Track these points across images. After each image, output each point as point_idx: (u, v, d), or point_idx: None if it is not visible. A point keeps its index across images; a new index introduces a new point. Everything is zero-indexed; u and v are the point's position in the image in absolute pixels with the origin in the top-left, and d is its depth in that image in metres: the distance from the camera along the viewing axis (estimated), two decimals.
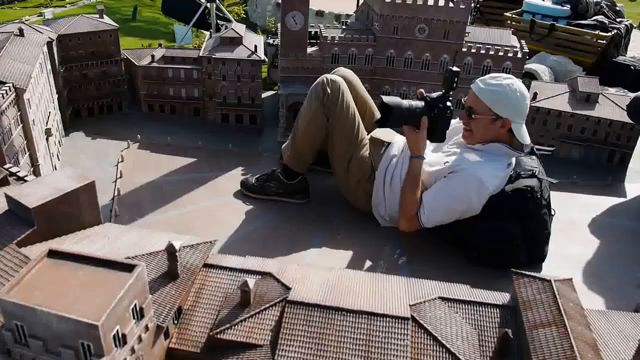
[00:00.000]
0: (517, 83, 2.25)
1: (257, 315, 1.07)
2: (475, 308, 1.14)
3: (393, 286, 1.18)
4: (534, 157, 2.46)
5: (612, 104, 3.33)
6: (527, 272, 1.16)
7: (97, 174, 2.46)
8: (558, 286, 1.09)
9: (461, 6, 3.20)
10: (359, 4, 3.95)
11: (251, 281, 1.11)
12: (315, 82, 2.60)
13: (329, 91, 2.52)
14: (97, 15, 3.52)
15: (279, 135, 3.46)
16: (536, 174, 2.33)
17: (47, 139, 2.72)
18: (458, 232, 2.34)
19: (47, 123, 2.78)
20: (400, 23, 3.28)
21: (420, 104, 2.24)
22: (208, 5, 5.25)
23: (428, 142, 2.49)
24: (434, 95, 2.25)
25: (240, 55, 3.39)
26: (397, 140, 2.63)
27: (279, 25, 3.87)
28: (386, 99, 2.20)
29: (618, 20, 5.62)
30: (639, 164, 3.33)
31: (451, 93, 2.25)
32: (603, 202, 2.94)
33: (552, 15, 5.58)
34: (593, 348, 0.96)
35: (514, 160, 2.34)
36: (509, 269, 1.26)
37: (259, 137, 3.55)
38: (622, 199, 3.01)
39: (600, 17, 5.48)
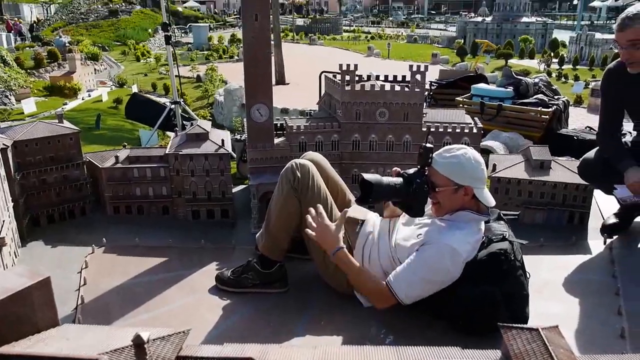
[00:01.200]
0: (470, 151, 2.37)
1: None
2: None
3: (382, 357, 1.16)
4: (502, 222, 2.54)
5: (564, 169, 3.53)
6: (514, 325, 1.18)
7: (57, 283, 2.37)
8: (546, 334, 1.11)
9: (416, 89, 3.43)
10: (321, 96, 4.17)
11: None
12: (285, 167, 2.67)
13: (299, 175, 2.60)
14: (57, 121, 3.56)
15: (252, 227, 3.47)
16: (507, 237, 2.40)
17: (0, 250, 2.60)
18: (439, 303, 2.34)
19: None
20: (362, 109, 3.47)
21: (399, 180, 2.33)
22: (173, 107, 5.43)
23: (400, 217, 2.58)
24: (410, 171, 2.35)
25: (208, 150, 3.48)
26: (370, 217, 2.69)
27: (244, 120, 4.01)
28: (366, 176, 2.29)
29: (556, 97, 6.11)
30: (597, 222, 3.46)
31: (426, 169, 2.35)
32: (572, 261, 3.03)
33: (498, 97, 6.03)
34: None
35: (483, 225, 2.42)
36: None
37: (232, 230, 3.55)
38: (588, 256, 3.11)
39: (540, 96, 5.95)
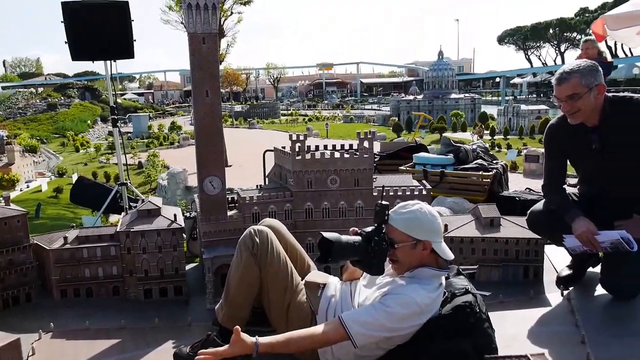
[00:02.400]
0: (425, 206, 2.41)
1: None
2: None
3: None
4: (461, 276, 2.56)
5: (514, 225, 3.64)
6: (500, 355, 1.15)
7: None
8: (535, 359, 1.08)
9: (365, 155, 3.52)
10: (270, 170, 4.19)
11: None
12: (243, 234, 2.62)
13: (257, 241, 2.55)
14: (3, 203, 3.39)
15: (207, 303, 3.32)
16: (469, 290, 2.40)
17: None
18: None
19: None
20: (313, 177, 3.51)
21: (358, 238, 2.31)
22: (119, 188, 5.30)
23: (360, 280, 2.55)
24: (368, 229, 2.34)
25: (160, 226, 3.37)
26: (331, 281, 2.64)
27: (194, 197, 3.95)
28: (326, 234, 2.26)
29: (494, 162, 6.44)
30: (552, 275, 3.54)
31: (383, 226, 2.35)
32: (534, 314, 3.05)
33: (439, 164, 6.28)
34: None
35: (443, 280, 2.41)
36: None
37: (187, 307, 3.38)
38: (548, 308, 3.15)
39: (480, 161, 6.25)
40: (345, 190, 3.56)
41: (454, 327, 2.25)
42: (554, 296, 3.29)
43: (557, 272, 3.56)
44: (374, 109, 43.03)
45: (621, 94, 3.17)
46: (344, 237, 2.31)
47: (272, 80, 71.64)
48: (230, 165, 13.60)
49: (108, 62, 5.06)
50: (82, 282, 3.39)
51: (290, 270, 2.60)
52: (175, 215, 3.46)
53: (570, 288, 3.35)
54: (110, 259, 3.39)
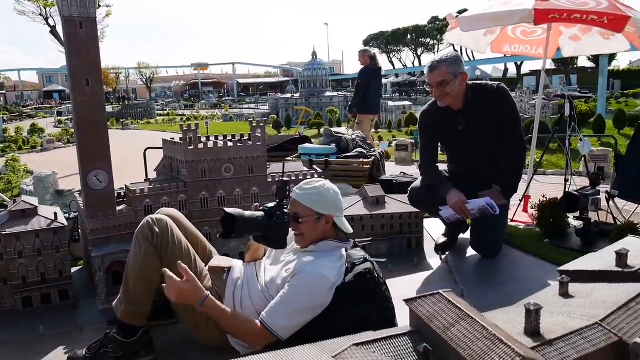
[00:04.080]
0: (328, 183, 2.55)
1: None
2: (388, 342, 1.19)
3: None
4: (358, 248, 2.73)
5: (396, 202, 3.95)
6: (416, 296, 1.29)
7: None
8: (448, 295, 1.23)
9: (258, 143, 3.58)
10: (159, 165, 4.05)
11: None
12: (140, 225, 2.54)
13: (157, 230, 2.48)
14: None
15: (100, 304, 3.14)
16: (368, 258, 2.58)
17: None
18: (318, 331, 2.37)
19: None
20: (207, 166, 3.48)
21: (260, 213, 2.36)
22: None
23: (264, 259, 2.61)
24: (271, 205, 2.40)
25: (39, 226, 3.12)
26: (236, 264, 2.67)
27: (77, 195, 3.70)
28: (229, 210, 2.27)
29: (372, 150, 6.85)
30: (430, 244, 3.91)
31: (285, 201, 2.43)
32: (419, 278, 3.40)
33: (323, 153, 6.53)
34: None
35: (344, 252, 2.57)
36: None
37: (76, 311, 3.16)
38: (430, 271, 3.53)
39: (359, 149, 6.61)
40: (240, 178, 3.58)
41: (358, 293, 2.41)
42: (434, 261, 3.66)
43: (434, 240, 3.94)
44: (252, 108, 42.93)
45: (479, 81, 3.61)
46: (247, 212, 2.35)
47: (145, 80, 68.16)
48: None
49: None
50: None
51: (194, 257, 2.57)
52: (55, 214, 3.22)
53: (447, 253, 3.76)
54: None
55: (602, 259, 1.54)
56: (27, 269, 3.08)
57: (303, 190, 2.48)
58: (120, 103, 44.31)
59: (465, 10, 4.58)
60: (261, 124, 3.63)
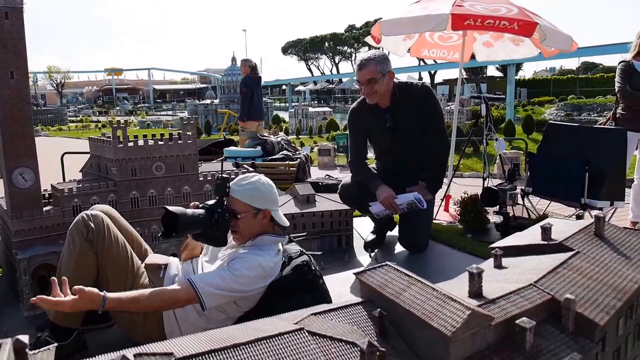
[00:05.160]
0: (263, 177, 2.59)
1: None
2: (343, 310, 1.27)
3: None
4: (293, 243, 2.80)
5: (326, 200, 4.06)
6: (363, 269, 1.38)
7: None
8: (394, 266, 1.33)
9: (188, 141, 3.54)
10: (85, 165, 3.89)
11: None
12: (74, 221, 2.45)
13: (92, 226, 2.41)
14: None
15: (25, 310, 2.97)
16: (304, 252, 2.65)
17: None
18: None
19: None
20: (137, 164, 3.39)
21: (201, 211, 2.35)
22: None
23: (201, 257, 2.61)
24: (210, 202, 2.39)
25: None
26: (172, 260, 2.64)
27: None
28: (171, 208, 2.24)
29: (297, 152, 6.95)
30: (359, 242, 4.05)
31: (224, 198, 2.43)
32: (350, 275, 3.44)
33: (249, 156, 6.53)
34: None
35: (281, 246, 2.62)
36: None
37: None
38: (361, 268, 3.59)
39: (285, 152, 6.69)
40: (172, 176, 3.52)
41: (296, 285, 2.47)
42: (364, 258, 3.80)
43: (363, 238, 4.09)
44: (170, 115, 41.69)
45: (406, 81, 3.81)
46: (189, 211, 2.34)
47: (55, 85, 63.92)
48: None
49: None
50: None
51: (130, 254, 2.52)
52: None
53: (376, 250, 3.89)
54: None
55: (527, 235, 1.71)
56: None
57: (240, 186, 2.50)
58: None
59: (381, 19, 4.79)
60: (192, 122, 3.60)
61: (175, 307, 2.31)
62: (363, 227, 4.30)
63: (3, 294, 3.27)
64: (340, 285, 3.25)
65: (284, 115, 27.73)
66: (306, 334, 1.03)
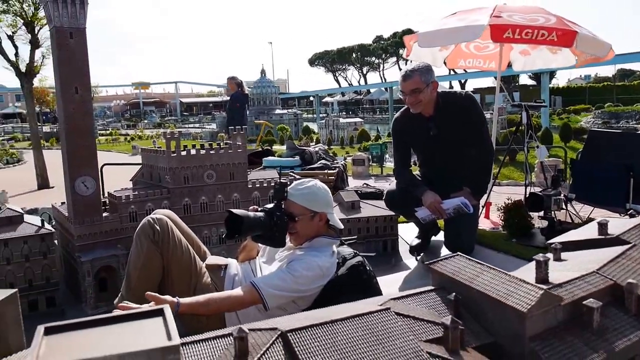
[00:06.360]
0: (319, 183, 2.71)
1: None
2: (419, 296, 1.37)
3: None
4: (345, 246, 2.91)
5: (371, 207, 4.16)
6: (434, 260, 1.48)
7: None
8: (464, 256, 1.43)
9: (238, 150, 3.71)
10: (136, 174, 4.09)
11: None
12: (140, 224, 2.61)
13: (158, 228, 2.57)
14: None
15: (88, 309, 3.16)
16: (358, 253, 2.75)
17: None
18: None
19: None
20: (190, 172, 3.58)
21: (261, 214, 2.49)
22: None
23: (258, 258, 2.74)
24: (269, 206, 2.53)
25: (26, 232, 3.11)
26: (231, 261, 2.77)
27: (55, 205, 3.69)
28: (235, 211, 2.38)
29: (335, 161, 7.07)
30: (404, 247, 4.13)
31: (282, 202, 2.56)
32: (399, 277, 3.57)
33: (288, 165, 6.68)
34: None
35: (335, 248, 2.73)
36: None
37: (64, 318, 3.14)
38: (408, 271, 3.73)
39: (323, 161, 6.81)
40: (222, 184, 3.69)
41: (351, 285, 2.57)
42: (410, 262, 3.87)
43: (408, 243, 4.16)
44: (198, 127, 42.47)
45: (449, 89, 3.90)
46: (251, 214, 2.48)
47: None
48: (53, 187, 12.32)
49: None
50: None
51: (193, 255, 2.67)
52: (42, 221, 3.22)
53: (422, 254, 3.97)
54: None
55: (583, 232, 1.79)
56: (15, 275, 3.07)
57: (297, 190, 2.63)
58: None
59: (410, 30, 4.89)
60: (242, 132, 3.76)
61: (240, 309, 2.44)
62: (407, 233, 4.37)
63: (64, 296, 3.45)
64: (388, 287, 3.33)
65: (314, 126, 27.99)
66: (393, 313, 1.13)
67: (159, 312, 0.92)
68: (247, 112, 9.73)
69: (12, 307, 1.09)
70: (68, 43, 3.07)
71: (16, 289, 1.11)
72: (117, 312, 1.24)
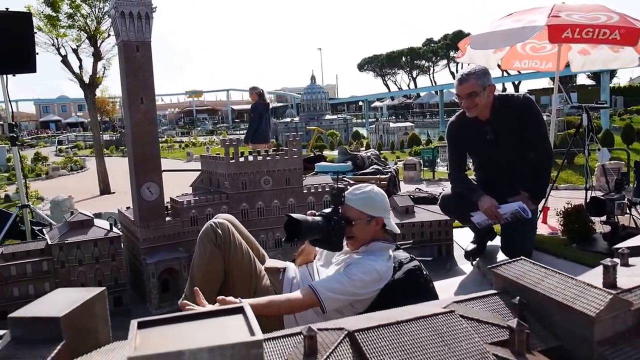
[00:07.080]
0: (376, 188, 2.75)
1: None
2: (482, 300, 1.38)
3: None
4: (400, 250, 2.92)
5: (425, 211, 4.15)
6: (495, 264, 1.48)
7: None
8: (528, 260, 1.43)
9: (294, 157, 3.79)
10: (196, 180, 4.26)
11: None
12: (203, 228, 2.72)
13: (220, 232, 2.67)
14: None
15: (152, 309, 3.32)
16: (414, 257, 2.76)
17: None
18: None
19: None
20: (247, 178, 3.69)
21: (319, 218, 2.55)
22: (19, 212, 4.90)
23: (315, 261, 2.80)
24: (327, 210, 2.59)
25: (97, 235, 3.30)
26: (289, 264, 2.85)
27: (121, 210, 3.89)
28: (294, 215, 2.45)
29: (387, 166, 7.07)
30: (458, 252, 4.09)
31: (340, 207, 2.61)
32: (454, 282, 3.55)
33: (340, 171, 6.74)
34: None
35: (392, 252, 2.75)
36: None
37: (130, 318, 3.30)
38: (464, 276, 3.70)
39: (375, 166, 6.83)
40: (278, 189, 3.78)
41: (408, 289, 2.58)
42: (466, 267, 3.83)
43: (463, 248, 4.12)
44: None
45: (506, 93, 3.83)
46: (309, 218, 2.54)
47: None
48: (114, 192, 12.92)
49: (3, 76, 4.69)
50: (11, 303, 3.18)
51: (253, 258, 2.75)
52: (110, 225, 3.41)
53: (477, 259, 3.91)
54: (42, 275, 3.22)
55: None
56: (86, 276, 3.27)
57: (354, 195, 2.67)
58: (118, 132, 44.82)
59: (460, 32, 4.83)
60: (297, 139, 3.84)
61: (299, 312, 2.51)
62: (462, 237, 4.33)
63: (130, 296, 3.63)
64: (443, 291, 3.32)
65: (363, 131, 28.00)
66: (457, 315, 1.16)
67: (240, 310, 0.98)
68: (270, 121, 9.72)
69: (101, 303, 1.19)
70: (135, 56, 3.25)
71: (104, 287, 1.21)
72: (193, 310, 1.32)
